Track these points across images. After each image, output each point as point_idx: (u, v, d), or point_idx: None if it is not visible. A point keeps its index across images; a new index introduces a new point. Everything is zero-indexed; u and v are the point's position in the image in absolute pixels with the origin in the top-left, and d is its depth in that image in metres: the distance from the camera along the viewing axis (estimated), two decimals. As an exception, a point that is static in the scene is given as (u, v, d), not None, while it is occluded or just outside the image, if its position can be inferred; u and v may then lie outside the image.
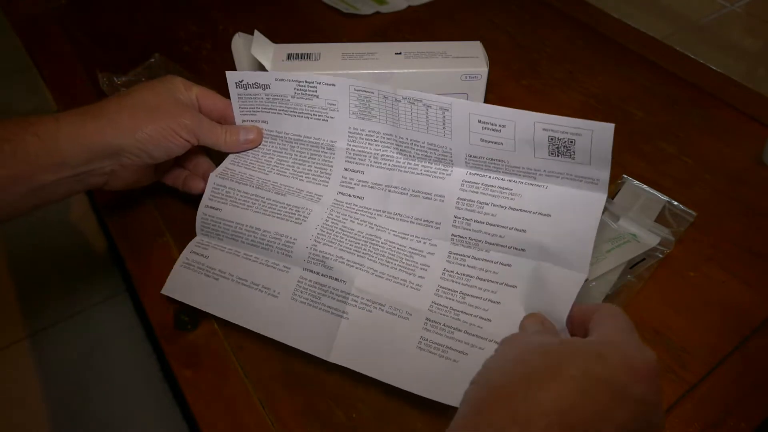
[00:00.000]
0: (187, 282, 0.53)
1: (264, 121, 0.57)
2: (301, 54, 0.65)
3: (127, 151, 0.51)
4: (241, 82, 0.56)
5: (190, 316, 0.52)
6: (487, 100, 0.66)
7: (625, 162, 0.65)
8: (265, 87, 0.56)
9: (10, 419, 1.12)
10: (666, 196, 0.60)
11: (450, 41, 0.68)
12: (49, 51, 0.81)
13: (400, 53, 0.66)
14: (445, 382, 0.44)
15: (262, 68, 0.64)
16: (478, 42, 0.68)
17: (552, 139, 0.45)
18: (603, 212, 0.56)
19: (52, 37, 0.83)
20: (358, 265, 0.50)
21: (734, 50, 1.94)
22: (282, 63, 0.64)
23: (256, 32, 0.66)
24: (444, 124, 0.49)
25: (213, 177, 0.56)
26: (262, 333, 0.49)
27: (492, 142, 0.48)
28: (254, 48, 0.64)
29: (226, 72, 0.56)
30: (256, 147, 0.57)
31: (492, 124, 0.47)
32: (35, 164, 0.47)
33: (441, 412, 0.47)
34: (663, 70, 0.77)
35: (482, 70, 0.65)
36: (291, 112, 0.56)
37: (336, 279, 0.50)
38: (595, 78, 0.76)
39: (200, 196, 0.56)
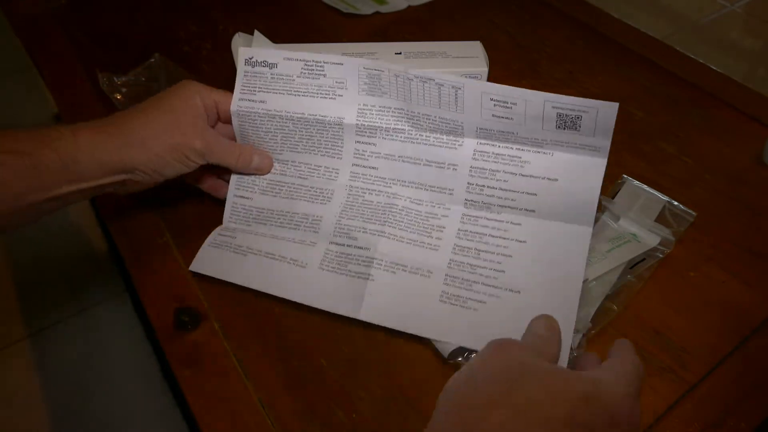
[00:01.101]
0: (215, 259, 0.55)
1: (262, 101, 0.57)
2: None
3: (140, 169, 0.52)
4: (251, 59, 0.57)
5: (190, 316, 0.52)
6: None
7: (625, 162, 0.65)
8: (272, 66, 0.56)
9: (10, 419, 1.12)
10: (666, 196, 0.60)
11: (450, 41, 0.68)
12: (49, 51, 0.81)
13: (400, 53, 0.66)
14: (466, 329, 0.49)
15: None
16: (478, 42, 0.68)
17: (560, 115, 0.49)
18: (603, 212, 0.57)
19: (52, 37, 0.83)
20: (380, 233, 0.54)
21: (734, 50, 1.94)
22: (282, 63, 0.63)
23: (256, 32, 0.66)
24: (456, 101, 0.51)
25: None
26: (291, 299, 0.52)
27: (503, 118, 0.50)
28: (254, 48, 0.64)
29: (240, 48, 0.57)
30: (264, 172, 0.58)
31: (504, 102, 0.50)
32: (53, 179, 0.48)
33: (441, 412, 0.47)
34: (663, 70, 0.77)
35: (482, 70, 0.65)
36: (295, 92, 0.56)
37: (360, 247, 0.53)
38: (595, 78, 0.76)
39: (217, 199, 0.59)
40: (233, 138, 0.59)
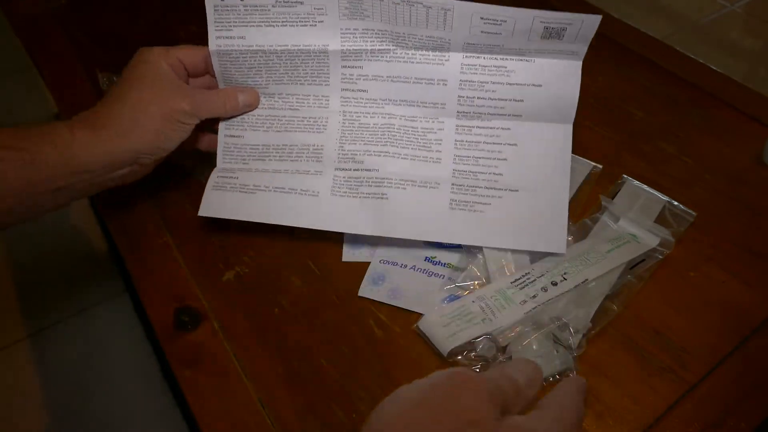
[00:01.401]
0: (223, 201, 0.55)
1: (241, 37, 0.55)
2: None
3: (142, 152, 0.52)
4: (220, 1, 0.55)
5: (190, 316, 0.52)
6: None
7: (625, 162, 0.65)
8: None
9: (10, 419, 1.12)
10: (666, 196, 0.60)
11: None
12: (49, 51, 0.81)
13: None
14: (476, 230, 0.54)
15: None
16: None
17: (547, 28, 0.51)
18: (603, 212, 0.57)
19: (52, 37, 0.83)
20: (384, 153, 0.56)
21: (734, 50, 1.94)
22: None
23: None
24: (445, 21, 0.52)
25: None
26: (309, 227, 0.54)
27: (491, 33, 0.53)
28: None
29: None
30: (253, 107, 0.58)
31: (494, 20, 0.52)
32: (53, 172, 0.48)
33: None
34: (663, 70, 0.77)
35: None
36: (273, 22, 0.55)
37: (368, 170, 0.55)
38: (595, 78, 0.76)
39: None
40: (209, 88, 0.58)
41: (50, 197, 0.50)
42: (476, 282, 0.53)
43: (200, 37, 0.82)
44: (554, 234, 0.54)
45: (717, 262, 0.56)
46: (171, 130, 0.53)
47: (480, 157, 0.56)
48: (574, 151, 0.64)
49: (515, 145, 0.55)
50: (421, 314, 0.52)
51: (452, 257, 0.56)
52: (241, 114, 0.58)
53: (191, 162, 0.64)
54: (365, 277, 0.55)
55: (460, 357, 0.49)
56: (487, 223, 0.54)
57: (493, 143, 0.56)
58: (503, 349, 0.49)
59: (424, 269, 0.56)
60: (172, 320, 0.52)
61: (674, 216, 0.59)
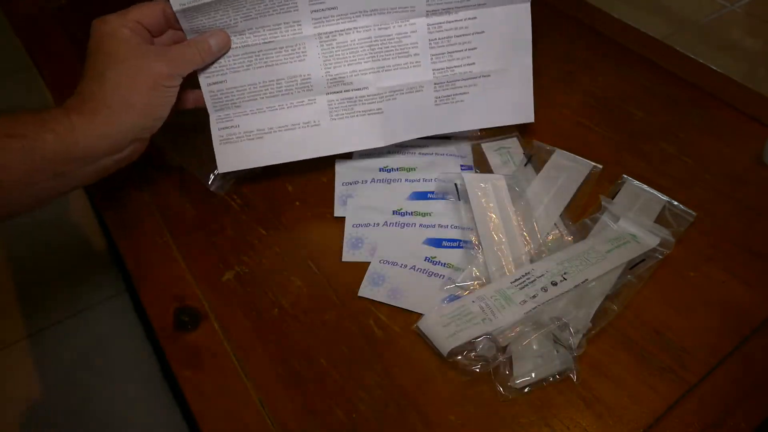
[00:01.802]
0: (235, 153, 0.58)
1: None
2: None
3: (140, 128, 0.52)
4: None
5: (190, 317, 0.52)
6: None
7: (626, 162, 0.65)
8: None
9: (10, 419, 1.12)
10: (666, 196, 0.60)
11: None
12: (49, 51, 0.81)
13: None
14: (458, 118, 0.62)
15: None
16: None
17: None
18: (603, 213, 0.57)
19: (52, 37, 0.83)
20: (369, 70, 0.59)
21: (734, 50, 1.94)
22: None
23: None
24: None
25: None
26: (320, 155, 0.58)
27: None
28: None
29: None
30: (226, 50, 0.57)
31: None
32: (54, 157, 0.48)
33: (442, 413, 0.47)
34: (663, 70, 0.77)
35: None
36: None
37: (359, 89, 0.59)
38: (594, 78, 0.76)
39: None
40: (175, 42, 0.56)
41: (51, 184, 0.49)
42: (476, 282, 0.54)
43: (200, 37, 0.82)
44: (523, 106, 0.62)
45: (717, 262, 0.56)
46: (160, 98, 0.52)
47: (453, 51, 0.60)
48: (575, 152, 0.65)
49: (482, 32, 0.60)
50: (421, 314, 0.52)
51: (452, 257, 0.56)
52: (217, 59, 0.57)
53: (190, 161, 0.64)
54: (365, 277, 0.55)
55: (460, 357, 0.49)
56: (467, 110, 0.62)
57: (463, 35, 0.60)
58: (503, 349, 0.49)
59: (424, 269, 0.55)
60: (172, 320, 0.52)
61: (674, 216, 0.59)
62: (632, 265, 0.54)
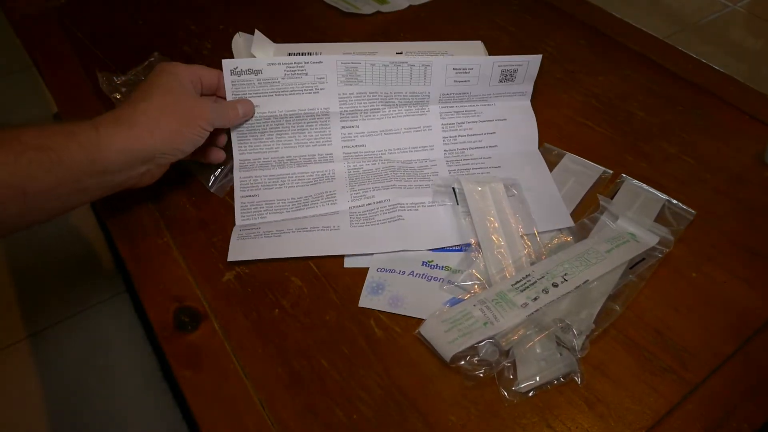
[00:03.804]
0: (250, 246, 0.57)
1: (256, 105, 0.62)
2: (302, 53, 0.65)
3: (161, 152, 0.54)
4: (235, 69, 0.61)
5: (191, 317, 0.52)
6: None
7: (626, 162, 0.65)
8: (257, 72, 0.61)
9: (11, 419, 1.12)
10: (666, 195, 0.60)
11: (451, 41, 0.68)
12: (49, 51, 0.81)
13: (401, 53, 0.66)
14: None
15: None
16: (480, 42, 0.68)
17: (503, 71, 0.65)
18: (602, 212, 0.57)
19: (52, 37, 0.83)
20: (391, 186, 0.62)
21: (736, 50, 1.94)
22: (282, 62, 0.63)
23: (257, 32, 0.66)
24: (425, 76, 0.64)
25: (236, 172, 0.62)
26: (335, 254, 0.57)
27: (462, 82, 0.65)
28: (255, 47, 0.64)
29: (223, 60, 0.60)
30: (251, 119, 0.62)
31: (464, 69, 0.64)
32: (79, 171, 0.49)
33: (442, 413, 0.47)
34: (664, 69, 0.77)
35: (483, 69, 0.65)
36: (282, 92, 0.62)
37: (380, 201, 0.60)
38: (596, 78, 0.76)
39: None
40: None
41: (73, 197, 0.51)
42: (476, 284, 0.53)
43: (200, 37, 0.83)
44: (561, 215, 0.60)
45: (718, 262, 0.56)
46: (189, 133, 0.55)
47: (471, 168, 0.65)
48: (575, 152, 0.65)
49: (499, 167, 0.64)
50: (422, 317, 0.52)
51: (449, 260, 0.56)
52: (250, 174, 0.62)
53: (191, 161, 0.64)
54: (364, 287, 0.55)
55: (463, 362, 0.48)
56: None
57: (481, 170, 0.64)
58: (506, 353, 0.49)
59: (423, 274, 0.55)
60: (172, 320, 0.52)
61: (674, 215, 0.59)
62: (633, 265, 0.54)
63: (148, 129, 0.53)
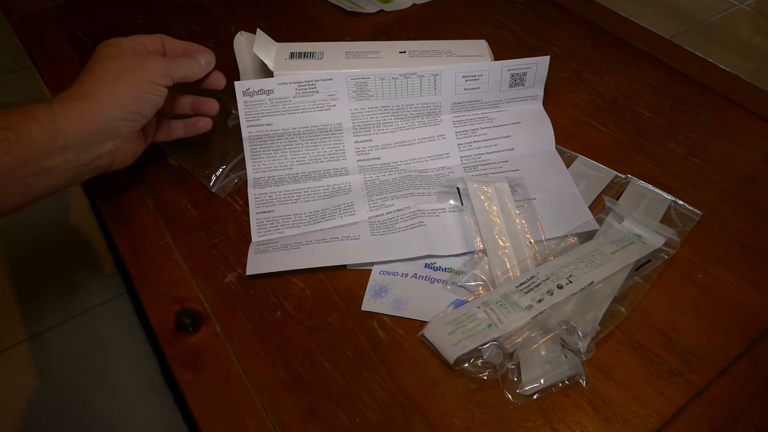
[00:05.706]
0: (269, 259, 0.56)
1: (269, 124, 0.62)
2: (304, 53, 0.64)
3: (120, 119, 0.53)
4: (247, 90, 0.61)
5: (192, 318, 0.52)
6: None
7: (632, 162, 0.64)
8: (269, 92, 0.61)
9: (11, 420, 1.12)
10: (672, 195, 0.59)
11: (455, 40, 0.68)
12: (49, 50, 0.81)
13: (405, 52, 0.65)
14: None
15: (264, 67, 0.64)
16: (484, 41, 0.68)
17: (513, 75, 0.65)
18: (607, 213, 0.56)
19: (52, 37, 0.83)
20: (410, 194, 0.61)
21: (743, 49, 1.93)
22: (285, 62, 0.63)
23: (259, 31, 0.65)
24: (435, 86, 0.64)
25: (251, 190, 0.62)
26: (357, 262, 0.56)
27: (472, 89, 0.65)
28: (256, 47, 0.63)
29: (235, 82, 0.60)
30: (213, 67, 0.61)
31: (473, 76, 0.64)
32: (38, 148, 0.49)
33: (446, 416, 0.46)
34: (671, 69, 0.76)
35: (487, 68, 0.64)
36: (294, 110, 0.62)
37: (400, 209, 0.59)
38: (602, 77, 0.75)
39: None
40: None
41: (35, 179, 0.49)
42: (480, 286, 0.53)
43: (201, 36, 0.82)
44: (582, 215, 0.59)
45: (725, 263, 0.55)
46: (146, 93, 0.54)
47: (487, 169, 0.64)
48: (581, 152, 0.64)
49: (517, 170, 0.64)
50: (425, 320, 0.51)
51: (452, 262, 0.56)
52: (266, 190, 0.62)
53: (192, 162, 0.64)
54: (366, 290, 0.54)
55: (467, 365, 0.48)
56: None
57: (499, 174, 0.63)
58: (511, 355, 0.48)
59: (425, 276, 0.55)
60: (172, 322, 0.52)
61: (680, 216, 0.58)
62: (638, 266, 0.54)
63: (99, 99, 0.52)
